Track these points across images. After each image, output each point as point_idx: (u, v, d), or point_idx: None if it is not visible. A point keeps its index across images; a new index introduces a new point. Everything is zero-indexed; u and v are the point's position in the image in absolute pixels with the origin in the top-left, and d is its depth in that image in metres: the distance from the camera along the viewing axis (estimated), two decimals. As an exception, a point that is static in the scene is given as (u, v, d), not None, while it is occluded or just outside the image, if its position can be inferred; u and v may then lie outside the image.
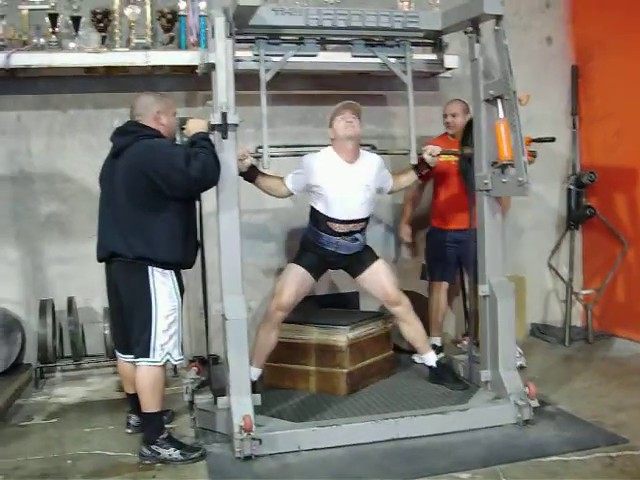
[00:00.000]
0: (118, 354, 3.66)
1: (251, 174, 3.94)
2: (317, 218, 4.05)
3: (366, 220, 4.09)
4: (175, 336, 3.39)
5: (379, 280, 4.12)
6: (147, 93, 3.59)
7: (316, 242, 4.07)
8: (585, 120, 5.73)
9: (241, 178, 3.74)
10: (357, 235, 4.06)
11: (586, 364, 4.83)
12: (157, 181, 3.25)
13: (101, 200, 3.51)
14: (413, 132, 4.16)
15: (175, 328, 3.39)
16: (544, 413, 3.77)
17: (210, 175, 3.29)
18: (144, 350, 3.33)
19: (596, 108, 5.62)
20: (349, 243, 4.05)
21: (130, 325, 3.39)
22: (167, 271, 3.37)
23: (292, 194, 4.11)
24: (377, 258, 4.18)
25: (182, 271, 3.51)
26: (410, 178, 4.26)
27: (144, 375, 3.36)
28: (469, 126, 4.16)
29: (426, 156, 4.13)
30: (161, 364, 3.36)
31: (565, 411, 3.84)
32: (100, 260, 3.51)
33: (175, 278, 3.41)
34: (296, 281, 4.01)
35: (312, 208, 4.08)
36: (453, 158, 4.47)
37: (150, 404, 3.36)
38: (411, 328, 4.18)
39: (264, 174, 4.03)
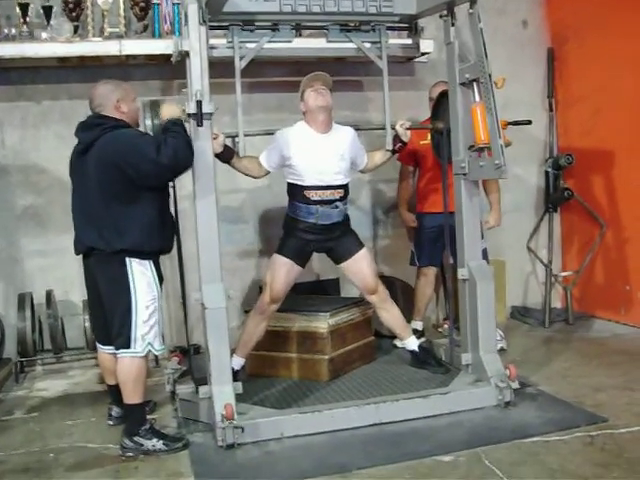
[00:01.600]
0: (99, 346, 3.64)
1: (226, 154, 3.88)
2: (294, 191, 4.01)
3: (343, 188, 4.02)
4: (156, 326, 3.38)
5: (361, 269, 4.11)
6: (103, 82, 3.48)
7: (297, 217, 4.00)
8: (561, 103, 5.76)
9: (217, 161, 3.71)
10: (337, 202, 3.99)
11: (566, 345, 4.87)
12: (128, 172, 3.21)
13: (73, 195, 3.47)
14: (388, 117, 4.15)
15: (156, 318, 3.37)
16: (525, 395, 3.79)
17: (182, 161, 3.24)
18: (125, 341, 3.32)
19: (572, 91, 5.65)
20: (329, 210, 3.97)
21: (110, 317, 3.37)
22: (145, 261, 3.34)
23: (269, 172, 4.06)
24: (362, 246, 4.16)
25: (160, 261, 3.49)
26: (384, 155, 4.24)
27: (126, 367, 3.34)
28: (439, 101, 4.17)
29: (397, 128, 4.11)
30: (143, 355, 3.34)
31: (546, 392, 3.87)
32: (78, 254, 3.49)
33: (154, 267, 3.39)
34: (283, 272, 3.98)
35: (288, 184, 4.04)
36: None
37: (132, 395, 3.35)
38: (389, 315, 4.18)
39: (239, 155, 3.99)
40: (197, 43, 3.41)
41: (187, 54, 3.46)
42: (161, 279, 3.46)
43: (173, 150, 3.17)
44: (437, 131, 4.18)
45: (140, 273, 3.32)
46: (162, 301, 3.48)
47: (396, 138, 4.16)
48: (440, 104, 4.18)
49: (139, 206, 3.29)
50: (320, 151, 3.92)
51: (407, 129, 4.12)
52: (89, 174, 3.30)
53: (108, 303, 3.37)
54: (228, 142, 3.92)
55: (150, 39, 4.70)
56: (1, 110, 4.81)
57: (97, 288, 3.42)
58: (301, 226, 4.00)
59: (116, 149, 3.24)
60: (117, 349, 3.37)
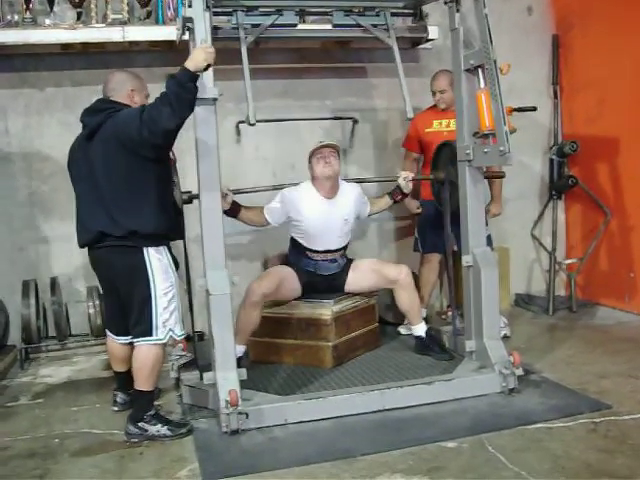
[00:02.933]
0: (112, 336, 3.64)
1: (234, 210, 4.03)
2: (296, 246, 4.26)
3: (345, 247, 4.27)
4: (175, 312, 3.38)
5: (367, 271, 4.24)
6: (121, 70, 3.51)
7: (296, 262, 4.24)
8: (566, 90, 5.73)
9: (221, 150, 3.70)
10: (337, 259, 4.24)
11: (570, 333, 4.87)
12: (126, 143, 3.15)
13: (77, 185, 3.42)
14: (405, 87, 4.02)
15: (175, 304, 3.37)
16: (529, 381, 3.80)
17: (159, 125, 3.02)
18: (146, 329, 3.31)
19: (577, 77, 5.62)
20: (328, 264, 4.24)
21: (129, 306, 3.36)
22: (160, 247, 3.33)
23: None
24: (351, 260, 4.31)
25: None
26: (386, 203, 4.41)
27: (145, 354, 3.33)
28: (439, 150, 4.21)
29: (400, 181, 4.26)
30: (164, 341, 3.35)
31: (549, 379, 3.87)
32: (83, 245, 3.44)
33: (169, 253, 3.39)
34: (282, 272, 4.13)
35: (292, 237, 4.26)
36: (444, 129, 4.62)
37: (145, 382, 3.36)
38: (408, 298, 4.21)
39: (246, 207, 4.12)
40: (200, 8, 3.35)
41: (190, 30, 3.43)
42: (177, 265, 3.47)
43: (149, 116, 3.05)
44: (438, 181, 4.27)
45: (157, 260, 3.31)
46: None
47: (397, 189, 4.31)
48: (440, 154, 4.25)
49: (148, 188, 3.24)
50: (326, 217, 4.11)
51: (410, 181, 4.25)
52: (97, 158, 3.26)
53: (126, 293, 3.36)
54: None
55: (153, 25, 4.69)
56: (4, 97, 4.81)
57: (111, 279, 3.41)
58: (301, 269, 4.22)
59: (115, 122, 3.21)
60: (136, 337, 3.36)
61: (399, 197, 4.34)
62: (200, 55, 3.09)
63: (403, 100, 3.97)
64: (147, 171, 3.24)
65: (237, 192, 4.05)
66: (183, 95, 3.03)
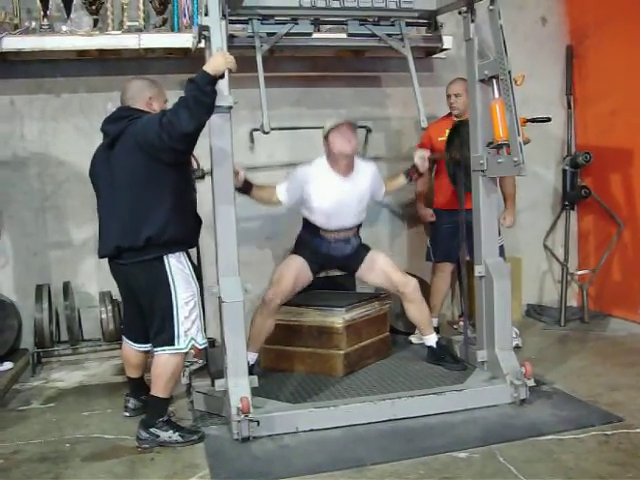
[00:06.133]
0: (129, 343, 3.65)
1: (246, 187, 4.00)
2: (310, 226, 4.15)
3: (359, 225, 4.19)
4: (197, 321, 3.38)
5: (379, 269, 4.15)
6: (139, 77, 3.53)
7: (310, 242, 4.15)
8: (580, 100, 5.72)
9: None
10: (350, 239, 4.16)
11: (582, 344, 4.85)
12: (145, 148, 3.15)
13: (99, 199, 3.42)
14: (419, 97, 4.05)
15: (196, 313, 3.37)
16: (540, 392, 3.79)
17: (178, 128, 3.02)
18: (168, 339, 3.31)
19: (591, 88, 5.61)
20: (342, 245, 4.15)
21: (150, 316, 3.36)
22: (180, 255, 3.33)
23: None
24: (369, 249, 4.23)
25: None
26: (401, 182, 4.36)
27: (165, 363, 3.34)
28: (454, 130, 4.19)
29: (416, 159, 4.21)
30: (185, 350, 3.35)
31: (561, 390, 3.85)
32: (102, 257, 3.45)
33: (189, 262, 3.39)
34: (295, 269, 4.04)
35: (305, 218, 4.18)
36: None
37: (163, 390, 3.36)
38: (417, 309, 4.19)
39: (258, 186, 4.08)
40: (216, 17, 3.35)
41: (206, 38, 3.44)
42: (199, 274, 3.48)
43: (168, 120, 3.04)
44: (453, 160, 4.21)
45: (179, 270, 3.31)
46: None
47: (413, 168, 4.25)
48: (455, 134, 4.22)
49: (167, 196, 3.24)
50: (341, 196, 4.00)
51: (426, 160, 4.22)
52: (118, 165, 3.27)
53: (147, 303, 3.35)
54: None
55: (169, 33, 4.71)
56: (21, 103, 4.84)
57: (132, 289, 3.40)
58: (314, 250, 4.14)
59: (135, 129, 3.22)
60: (157, 346, 3.36)
61: (415, 175, 4.28)
62: (220, 59, 3.11)
63: (417, 109, 3.98)
64: (166, 177, 3.23)
65: (249, 169, 4.00)
66: (202, 98, 3.03)
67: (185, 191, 3.40)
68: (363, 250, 4.23)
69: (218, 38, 3.33)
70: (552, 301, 5.77)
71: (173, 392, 3.94)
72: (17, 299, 4.86)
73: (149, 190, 3.23)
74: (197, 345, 3.40)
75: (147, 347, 3.52)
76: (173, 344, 3.31)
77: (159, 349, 3.35)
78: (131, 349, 3.63)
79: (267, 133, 3.77)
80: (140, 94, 3.42)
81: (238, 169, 3.83)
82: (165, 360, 3.33)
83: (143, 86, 3.46)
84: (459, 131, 4.18)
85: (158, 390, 3.37)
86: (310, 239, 4.16)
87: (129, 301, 3.54)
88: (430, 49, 4.84)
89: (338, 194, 4.00)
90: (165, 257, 3.27)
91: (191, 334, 3.34)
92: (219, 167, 3.44)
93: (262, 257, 5.21)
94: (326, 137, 3.97)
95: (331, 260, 4.20)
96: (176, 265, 3.30)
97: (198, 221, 3.55)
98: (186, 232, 3.39)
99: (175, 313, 3.29)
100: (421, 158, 4.21)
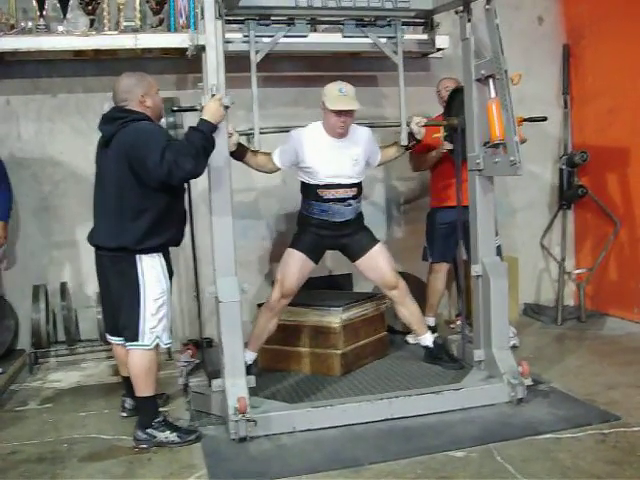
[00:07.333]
0: (108, 337, 3.66)
1: (240, 152, 3.89)
2: (307, 190, 4.03)
3: (357, 186, 4.04)
4: (164, 319, 3.38)
5: (377, 264, 4.10)
6: (127, 75, 3.44)
7: (310, 214, 4.04)
8: (577, 99, 5.73)
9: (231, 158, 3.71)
10: (350, 200, 4.02)
11: (579, 343, 4.86)
12: (135, 166, 3.19)
13: (95, 189, 3.47)
14: (404, 112, 4.15)
15: (164, 312, 3.38)
16: (537, 392, 3.79)
17: (182, 172, 3.12)
18: (133, 334, 3.33)
19: (587, 87, 5.62)
20: (342, 208, 4.00)
21: (118, 309, 3.39)
22: (154, 254, 3.34)
23: (280, 169, 4.05)
24: (377, 242, 4.16)
25: (173, 255, 3.50)
26: (397, 150, 4.26)
27: (137, 360, 3.35)
28: (452, 97, 4.16)
29: (413, 126, 4.12)
30: (151, 348, 3.35)
31: (558, 389, 3.86)
32: (90, 244, 3.49)
33: (163, 261, 3.39)
34: (297, 267, 3.99)
35: (302, 183, 4.06)
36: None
37: (144, 388, 3.37)
38: (408, 311, 4.17)
39: (253, 151, 3.99)
40: (213, 37, 3.40)
41: (203, 48, 3.46)
42: (171, 273, 3.47)
43: (174, 159, 3.09)
44: (452, 127, 4.17)
45: (150, 267, 3.32)
46: (173, 294, 3.48)
47: (410, 135, 4.17)
48: (453, 100, 4.17)
49: (152, 203, 3.26)
50: (334, 157, 3.92)
51: (422, 126, 4.11)
52: (109, 167, 3.30)
53: (117, 295, 3.38)
54: (243, 140, 3.92)
55: (166, 33, 4.71)
56: (17, 103, 4.84)
57: (106, 280, 3.43)
58: (314, 222, 4.02)
59: (130, 142, 3.22)
60: (126, 341, 3.38)
61: (412, 143, 4.20)
62: (215, 106, 3.32)
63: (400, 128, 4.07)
64: (151, 189, 3.25)
65: (243, 133, 3.96)
66: (210, 148, 3.27)
67: (171, 201, 3.38)
68: (370, 240, 4.14)
69: (214, 60, 3.41)
70: (549, 300, 5.78)
71: (170, 391, 3.98)
72: (14, 299, 4.86)
73: (134, 198, 3.25)
74: (161, 344, 3.40)
75: (122, 340, 3.50)
76: (137, 340, 3.32)
77: (128, 344, 3.37)
78: (117, 346, 3.62)
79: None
80: (131, 95, 3.37)
81: (231, 131, 3.73)
82: (137, 359, 3.35)
83: (132, 85, 3.39)
84: (456, 97, 4.14)
85: (140, 390, 3.38)
86: (308, 209, 4.04)
87: (105, 294, 3.54)
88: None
89: (331, 152, 3.91)
90: (138, 256, 3.30)
91: (156, 332, 3.34)
92: (216, 167, 3.45)
93: (259, 257, 5.20)
94: (324, 103, 3.88)
95: (333, 235, 4.06)
96: (148, 262, 3.31)
97: (183, 222, 3.55)
98: (165, 240, 3.39)
99: (142, 309, 3.30)
100: (417, 124, 4.10)
